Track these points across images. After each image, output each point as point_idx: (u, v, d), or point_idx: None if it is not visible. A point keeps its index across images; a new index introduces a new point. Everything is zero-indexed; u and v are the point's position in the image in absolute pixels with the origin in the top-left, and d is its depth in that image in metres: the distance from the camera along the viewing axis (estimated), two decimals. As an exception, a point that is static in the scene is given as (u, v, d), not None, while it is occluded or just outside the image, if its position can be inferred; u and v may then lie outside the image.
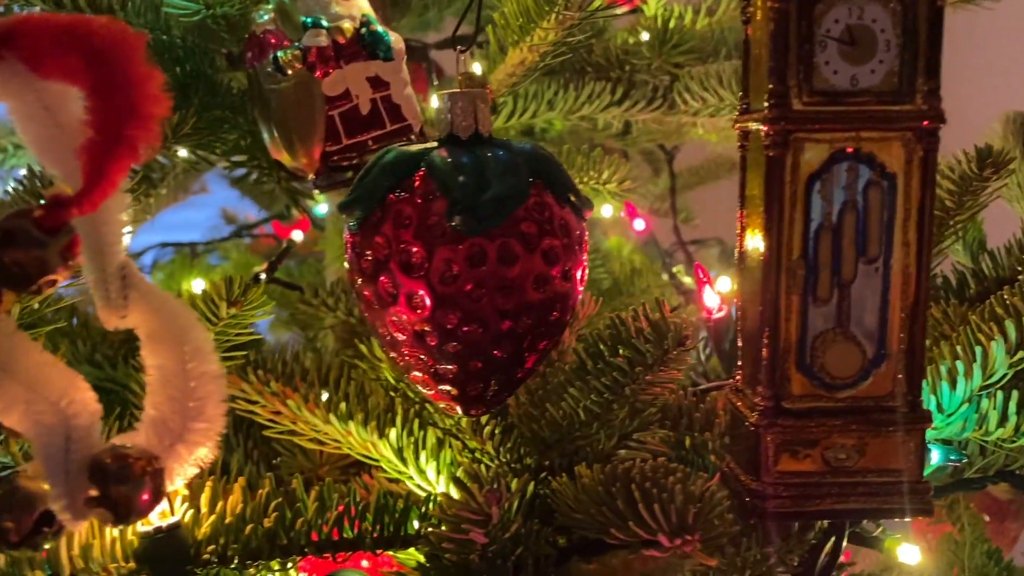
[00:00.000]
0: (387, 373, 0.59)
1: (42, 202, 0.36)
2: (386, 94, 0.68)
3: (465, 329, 0.46)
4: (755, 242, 0.46)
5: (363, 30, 0.68)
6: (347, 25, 0.67)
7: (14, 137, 1.04)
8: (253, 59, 0.70)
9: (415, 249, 0.45)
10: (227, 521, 0.44)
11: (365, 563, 0.57)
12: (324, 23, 0.67)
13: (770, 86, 0.43)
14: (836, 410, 0.45)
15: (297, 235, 0.97)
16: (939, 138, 0.43)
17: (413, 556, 0.55)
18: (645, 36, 0.96)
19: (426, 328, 0.46)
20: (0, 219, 0.34)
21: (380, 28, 0.69)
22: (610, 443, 0.58)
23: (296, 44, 0.67)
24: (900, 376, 0.45)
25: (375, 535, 0.50)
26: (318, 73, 0.67)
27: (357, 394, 0.58)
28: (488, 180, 0.45)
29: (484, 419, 0.57)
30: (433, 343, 0.46)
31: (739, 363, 0.51)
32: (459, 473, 0.49)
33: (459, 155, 0.47)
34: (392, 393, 0.59)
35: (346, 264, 0.50)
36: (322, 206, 1.34)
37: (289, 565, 0.51)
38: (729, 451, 0.50)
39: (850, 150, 0.43)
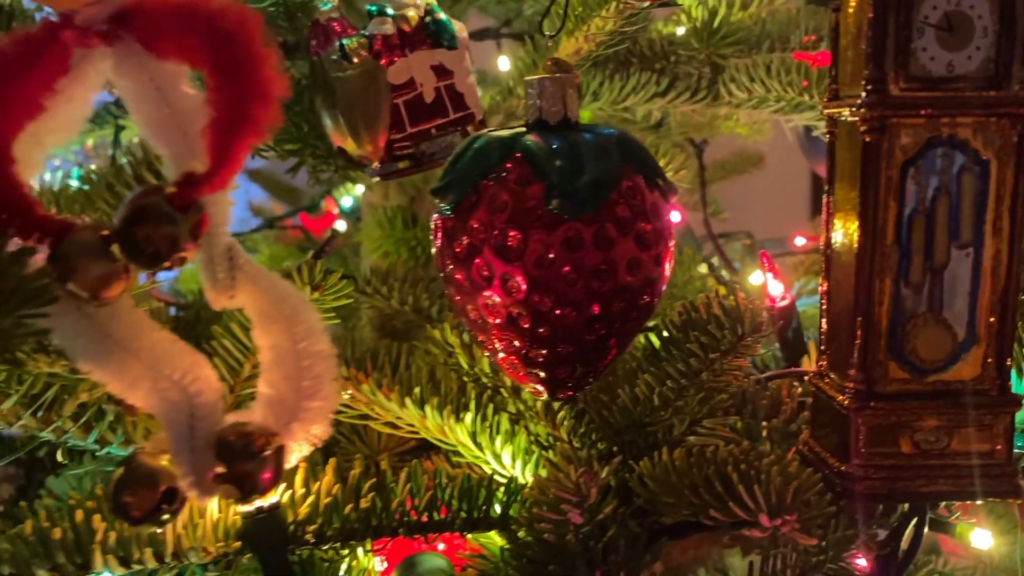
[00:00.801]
0: (461, 359, 0.59)
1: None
2: (450, 82, 0.68)
3: (558, 312, 0.46)
4: (846, 227, 0.47)
5: (427, 18, 0.68)
6: (412, 13, 0.67)
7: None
8: (317, 47, 0.70)
9: (512, 233, 0.45)
10: (324, 502, 0.45)
11: (442, 546, 0.57)
12: (389, 11, 0.67)
13: (867, 72, 0.43)
14: (926, 393, 0.46)
15: (340, 225, 0.97)
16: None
17: (491, 539, 0.55)
18: (680, 30, 0.97)
19: (520, 311, 0.46)
20: (132, 196, 0.34)
21: (444, 16, 0.69)
22: (681, 428, 0.58)
23: (362, 32, 0.67)
24: (990, 360, 0.45)
25: (462, 517, 0.50)
26: (383, 61, 0.67)
27: (429, 379, 0.59)
28: (583, 164, 0.46)
29: (556, 404, 0.58)
30: (526, 325, 0.47)
31: (822, 348, 0.51)
32: (553, 455, 0.49)
33: (551, 140, 0.47)
34: (465, 378, 0.59)
35: (433, 248, 0.51)
36: (347, 199, 1.34)
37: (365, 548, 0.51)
38: (813, 435, 0.51)
39: (945, 136, 0.44)
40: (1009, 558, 0.59)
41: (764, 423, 0.61)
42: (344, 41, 0.67)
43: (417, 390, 0.57)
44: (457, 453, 0.58)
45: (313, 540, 0.44)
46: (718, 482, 0.44)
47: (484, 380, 0.59)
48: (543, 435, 0.57)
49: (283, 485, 0.45)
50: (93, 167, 1.04)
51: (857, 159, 0.45)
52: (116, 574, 0.41)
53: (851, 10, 0.46)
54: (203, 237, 0.38)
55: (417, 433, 0.58)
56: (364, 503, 0.46)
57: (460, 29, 0.69)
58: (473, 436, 0.57)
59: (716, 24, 0.89)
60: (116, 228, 0.34)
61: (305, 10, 0.71)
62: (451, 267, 0.48)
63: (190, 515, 0.43)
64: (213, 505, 0.43)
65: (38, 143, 0.38)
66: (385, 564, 0.55)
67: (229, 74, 0.36)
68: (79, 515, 0.41)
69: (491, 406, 0.58)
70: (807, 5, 1.19)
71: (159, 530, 0.40)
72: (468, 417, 0.57)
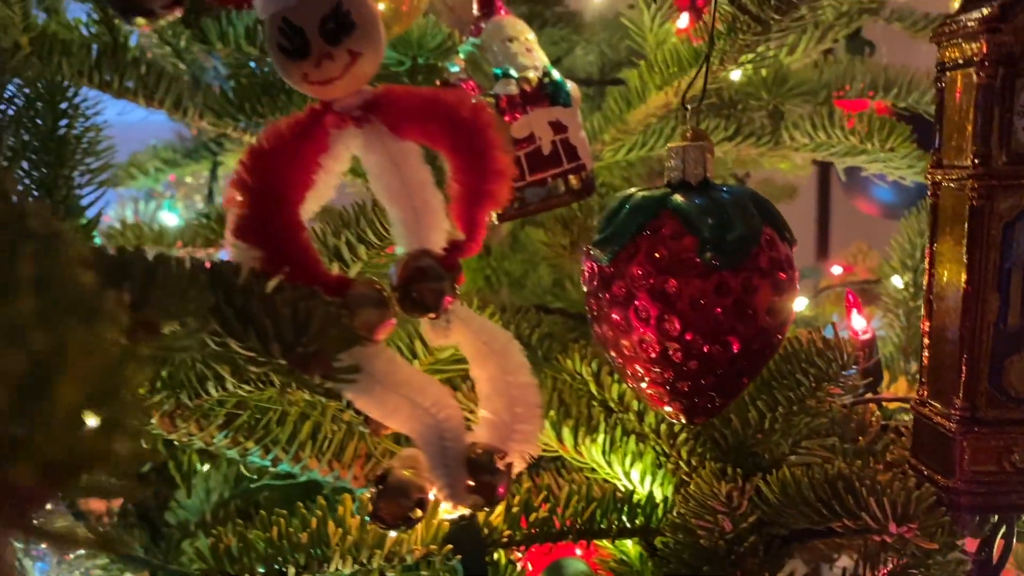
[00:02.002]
0: (591, 386, 0.67)
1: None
2: (564, 136, 0.76)
3: (706, 349, 0.54)
4: (951, 276, 0.55)
5: (546, 79, 0.76)
6: (532, 75, 0.75)
7: (157, 161, 1.12)
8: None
9: (671, 282, 0.53)
10: (514, 511, 0.52)
11: (579, 551, 0.65)
12: (513, 73, 0.75)
13: (976, 147, 0.51)
14: (1023, 420, 0.53)
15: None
16: (1116, 192, 0.52)
17: (626, 547, 0.63)
18: (736, 74, 1.05)
19: (674, 347, 0.54)
20: (408, 258, 0.42)
21: (559, 77, 0.77)
22: (785, 448, 0.66)
23: (489, 91, 0.75)
24: (1076, 391, 0.53)
25: (612, 527, 0.57)
26: (507, 117, 0.75)
27: (560, 404, 0.66)
28: (731, 220, 0.53)
29: (677, 427, 0.65)
30: (678, 360, 0.54)
31: (923, 380, 0.59)
32: (705, 471, 0.56)
33: (696, 199, 0.55)
34: (593, 403, 0.67)
35: (585, 289, 0.58)
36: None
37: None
38: (915, 455, 0.59)
39: (1040, 201, 0.52)
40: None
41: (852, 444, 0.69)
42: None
43: (552, 414, 0.65)
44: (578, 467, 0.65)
45: (505, 542, 0.52)
46: (849, 496, 0.52)
47: (612, 405, 0.67)
48: (669, 454, 0.64)
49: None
50: (207, 207, 1.11)
51: (959, 218, 0.53)
52: (345, 572, 0.48)
53: (957, 93, 0.54)
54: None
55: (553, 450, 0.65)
56: (542, 512, 0.53)
57: (573, 89, 0.77)
58: (605, 455, 0.64)
59: (783, 76, 0.98)
60: (396, 285, 0.42)
61: (435, 71, 0.78)
62: (607, 308, 0.56)
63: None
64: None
65: (305, 211, 0.45)
66: (531, 567, 0.62)
67: (471, 157, 0.44)
68: (313, 522, 0.49)
69: (619, 428, 0.65)
70: (849, 52, 1.28)
71: (400, 533, 0.48)
72: (600, 438, 0.64)
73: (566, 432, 0.64)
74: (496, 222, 0.79)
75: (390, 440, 0.55)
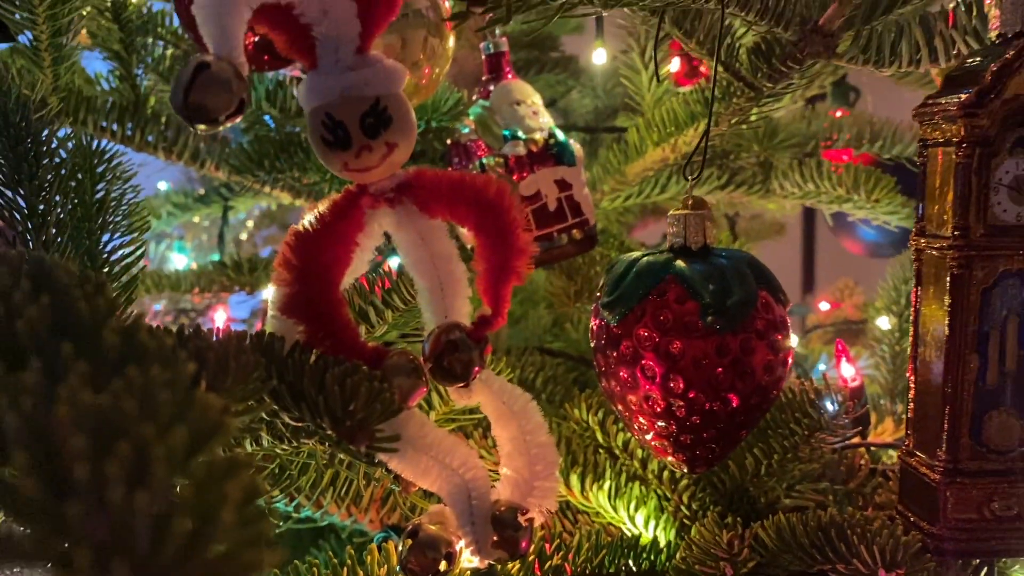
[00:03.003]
0: (598, 435, 0.71)
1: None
2: (569, 194, 0.81)
3: (708, 406, 0.58)
4: (935, 336, 0.59)
5: (551, 140, 0.80)
6: (539, 136, 0.80)
7: (169, 206, 1.15)
8: (460, 162, 0.82)
9: (675, 343, 0.57)
10: (529, 559, 0.56)
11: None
12: (521, 135, 0.79)
13: (956, 220, 0.56)
14: (1001, 471, 0.58)
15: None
16: (1083, 262, 0.56)
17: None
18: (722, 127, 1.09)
19: (678, 403, 0.58)
20: (442, 333, 0.46)
21: (564, 138, 0.81)
22: (779, 492, 0.70)
23: (498, 152, 0.79)
24: (1050, 444, 0.58)
25: (624, 571, 0.61)
26: (515, 176, 0.79)
27: (568, 451, 0.70)
28: (729, 286, 0.58)
29: (678, 474, 0.69)
30: (681, 415, 0.58)
31: (908, 431, 0.63)
32: (706, 522, 0.60)
33: (697, 264, 0.59)
34: (600, 451, 0.71)
35: (593, 345, 0.62)
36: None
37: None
38: (901, 501, 0.63)
39: (1014, 269, 0.56)
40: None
41: (842, 488, 0.73)
42: (484, 160, 0.79)
43: (560, 461, 0.68)
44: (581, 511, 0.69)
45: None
46: (841, 542, 0.56)
47: (617, 452, 0.71)
48: (669, 499, 0.68)
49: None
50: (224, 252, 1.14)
51: (941, 282, 0.58)
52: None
53: (939, 166, 0.58)
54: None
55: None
56: (556, 561, 0.57)
57: (577, 149, 0.81)
58: (610, 500, 0.68)
59: (773, 129, 1.02)
60: (429, 356, 0.46)
61: (447, 132, 0.83)
62: (614, 365, 0.60)
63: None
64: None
65: (343, 285, 0.49)
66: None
67: (495, 236, 0.48)
68: (344, 572, 0.52)
69: (623, 474, 0.69)
70: (835, 102, 1.33)
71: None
72: (606, 484, 0.68)
73: (574, 478, 0.68)
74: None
75: (418, 496, 0.58)
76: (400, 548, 0.48)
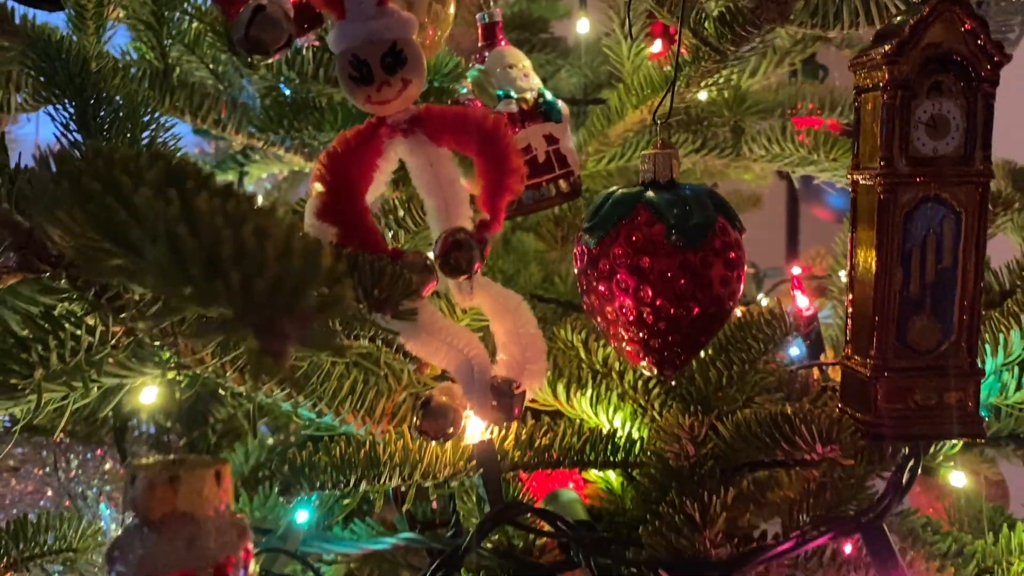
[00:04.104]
0: (581, 352, 0.81)
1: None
2: (556, 147, 0.90)
3: (672, 312, 0.68)
4: (866, 256, 0.69)
5: (540, 99, 0.90)
6: (529, 96, 0.89)
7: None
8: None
9: (645, 259, 0.67)
10: (522, 439, 0.66)
11: (571, 484, 0.78)
12: (513, 94, 0.89)
13: (882, 153, 0.66)
14: (923, 367, 0.68)
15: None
16: (989, 188, 0.67)
17: (607, 479, 0.76)
18: (702, 95, 1.19)
19: (647, 311, 0.68)
20: (449, 235, 0.56)
21: (551, 97, 0.91)
22: (740, 402, 0.80)
23: (493, 110, 0.89)
24: (963, 345, 0.68)
25: (598, 458, 0.71)
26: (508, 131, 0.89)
27: (554, 366, 0.80)
28: (692, 211, 0.68)
29: (651, 383, 0.79)
30: (650, 321, 0.68)
31: (848, 340, 0.73)
32: (672, 410, 0.70)
33: (664, 195, 0.69)
34: (583, 365, 0.81)
35: (576, 268, 0.72)
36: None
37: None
38: (842, 399, 0.73)
39: (932, 195, 0.67)
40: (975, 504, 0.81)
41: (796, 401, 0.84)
42: (480, 116, 0.88)
43: (548, 374, 0.78)
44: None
45: (514, 465, 0.65)
46: (786, 425, 0.66)
47: (597, 367, 0.81)
48: (645, 407, 0.78)
49: (494, 428, 0.66)
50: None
51: (872, 209, 0.68)
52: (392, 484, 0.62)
53: (868, 109, 0.69)
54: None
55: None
56: (544, 441, 0.67)
57: (564, 107, 0.91)
58: (592, 406, 0.78)
59: (742, 95, 1.13)
60: (438, 254, 0.56)
61: (447, 93, 0.92)
62: (594, 281, 0.70)
63: (435, 449, 0.64)
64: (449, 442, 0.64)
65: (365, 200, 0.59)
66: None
67: (493, 158, 0.58)
68: (367, 445, 0.62)
69: (603, 385, 0.79)
70: (804, 78, 1.44)
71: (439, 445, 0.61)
72: (588, 392, 0.78)
73: (560, 388, 0.78)
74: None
75: (429, 379, 0.68)
76: (414, 417, 0.58)
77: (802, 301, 0.87)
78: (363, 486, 0.61)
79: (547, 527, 0.66)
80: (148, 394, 0.96)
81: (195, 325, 0.28)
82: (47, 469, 0.97)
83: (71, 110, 0.69)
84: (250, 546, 0.39)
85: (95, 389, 0.67)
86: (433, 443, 0.59)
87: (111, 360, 0.65)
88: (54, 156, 0.38)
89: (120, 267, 0.33)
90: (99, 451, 0.95)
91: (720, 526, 0.64)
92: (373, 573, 0.85)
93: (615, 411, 0.78)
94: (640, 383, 0.79)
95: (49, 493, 0.94)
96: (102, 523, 0.81)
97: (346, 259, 0.48)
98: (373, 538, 0.78)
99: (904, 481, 0.70)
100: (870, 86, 0.68)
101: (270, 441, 1.01)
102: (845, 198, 1.56)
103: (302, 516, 0.88)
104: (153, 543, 0.36)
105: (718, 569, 0.63)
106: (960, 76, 0.66)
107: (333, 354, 0.60)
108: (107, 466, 0.98)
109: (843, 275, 1.18)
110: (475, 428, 0.65)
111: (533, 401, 0.79)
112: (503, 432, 0.66)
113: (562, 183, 0.92)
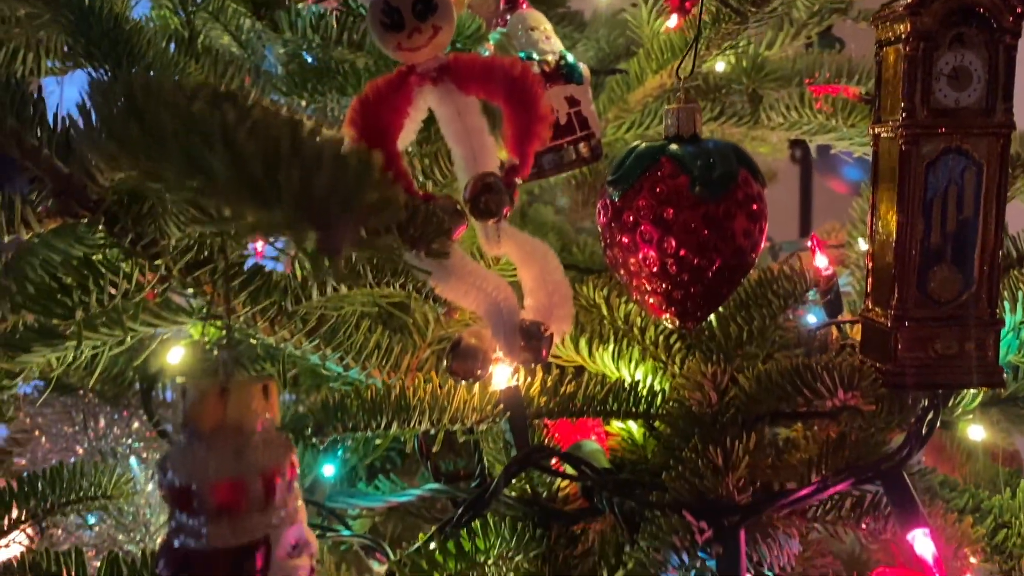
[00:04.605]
0: (603, 309, 0.82)
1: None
2: (577, 109, 0.91)
3: (695, 263, 0.69)
4: (888, 209, 0.70)
5: (562, 62, 0.91)
6: (551, 58, 0.90)
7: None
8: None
9: (668, 210, 0.68)
10: (547, 386, 0.67)
11: (593, 437, 0.79)
12: (535, 56, 0.90)
13: (904, 104, 0.67)
14: (943, 317, 0.69)
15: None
16: (1011, 139, 0.67)
17: (628, 430, 0.78)
18: (720, 66, 1.20)
19: (670, 262, 0.69)
20: (479, 179, 0.57)
21: (573, 60, 0.92)
22: (760, 358, 0.81)
23: (515, 70, 0.90)
24: (983, 295, 0.69)
25: (621, 408, 0.72)
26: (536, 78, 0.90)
27: (576, 323, 0.81)
28: (715, 163, 0.69)
29: (673, 339, 0.80)
30: (673, 271, 0.69)
31: (868, 292, 0.74)
32: (695, 360, 0.72)
33: (688, 148, 0.70)
34: (605, 321, 0.82)
35: (600, 221, 0.73)
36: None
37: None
38: (863, 351, 0.74)
39: (954, 146, 0.67)
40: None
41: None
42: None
43: (571, 330, 0.80)
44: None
45: (540, 413, 0.67)
46: (807, 373, 0.67)
47: (619, 324, 0.82)
48: (666, 362, 0.80)
49: (521, 375, 0.67)
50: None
51: (893, 161, 0.69)
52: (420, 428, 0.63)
53: (890, 61, 0.69)
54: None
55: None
56: (569, 388, 0.68)
57: (584, 70, 0.92)
58: (614, 360, 0.79)
59: (760, 63, 1.13)
60: (468, 197, 0.57)
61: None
62: (618, 234, 0.71)
63: (462, 393, 0.65)
64: (477, 387, 0.65)
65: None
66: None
67: (521, 106, 0.59)
68: (397, 387, 0.63)
69: (625, 341, 0.80)
70: (821, 48, 1.44)
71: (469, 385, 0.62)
72: (610, 347, 0.79)
73: (582, 343, 0.79)
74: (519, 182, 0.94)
75: (457, 323, 0.69)
76: (445, 358, 0.59)
77: (821, 261, 0.88)
78: (393, 428, 0.62)
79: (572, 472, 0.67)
80: (175, 355, 0.98)
81: (256, 223, 0.29)
82: (76, 428, 0.98)
83: (104, 69, 0.71)
84: (295, 461, 0.40)
85: (129, 338, 0.69)
86: (462, 386, 0.61)
87: (145, 309, 0.67)
88: (105, 85, 0.40)
89: (176, 183, 0.34)
90: (125, 412, 0.97)
91: (742, 472, 0.65)
92: (397, 527, 0.86)
93: (636, 366, 0.79)
94: (661, 339, 0.80)
95: (79, 451, 0.96)
96: (132, 475, 0.83)
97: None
98: (397, 492, 0.80)
99: (924, 431, 0.71)
100: (892, 39, 0.69)
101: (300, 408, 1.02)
102: (861, 170, 1.57)
103: (328, 470, 0.90)
104: (203, 453, 0.38)
105: (740, 512, 0.64)
106: (982, 27, 0.66)
107: (383, 254, 0.61)
108: (135, 425, 1.00)
109: (862, 242, 1.19)
110: (502, 375, 0.66)
111: (556, 357, 0.80)
112: (529, 379, 0.67)
113: (583, 147, 0.93)
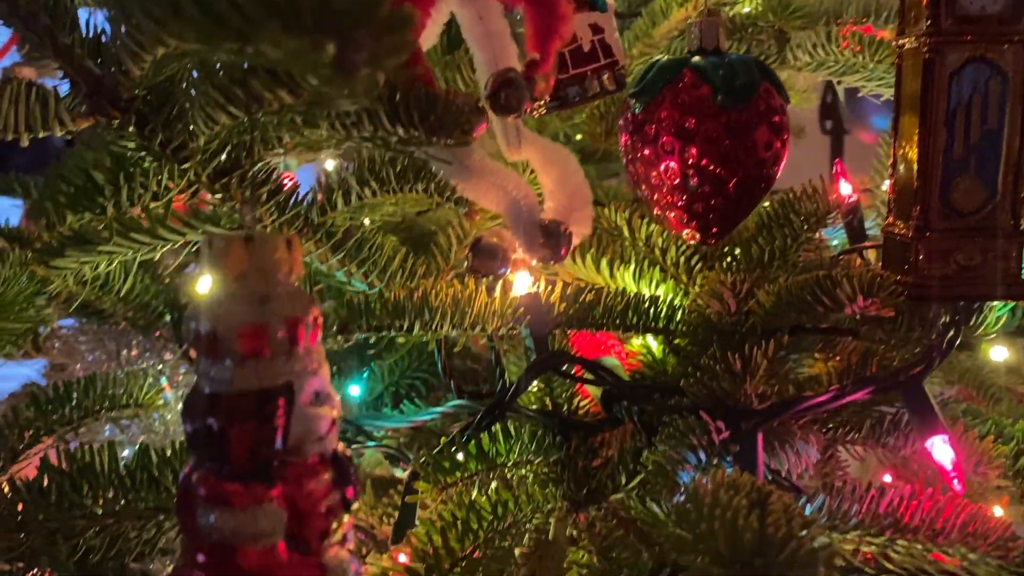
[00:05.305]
0: (625, 231, 0.82)
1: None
2: (601, 37, 0.91)
3: (717, 173, 0.69)
4: (911, 122, 0.70)
5: (586, -12, 0.91)
6: (575, -16, 0.91)
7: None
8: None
9: (690, 120, 0.68)
10: (566, 293, 0.68)
11: (612, 354, 0.80)
12: (559, -18, 0.90)
13: (927, 12, 0.66)
14: (966, 228, 0.68)
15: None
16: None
17: (647, 347, 0.78)
18: (747, 8, 1.19)
19: (691, 172, 0.69)
20: (499, 74, 0.58)
21: (597, -13, 0.92)
22: (783, 279, 0.81)
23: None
24: (1007, 206, 0.68)
25: (642, 322, 0.73)
26: None
27: (597, 244, 0.82)
28: (736, 74, 0.69)
29: (694, 261, 0.81)
30: (694, 183, 0.70)
31: (890, 209, 0.74)
32: (714, 272, 0.72)
33: (711, 59, 0.70)
34: (626, 243, 0.82)
35: (621, 136, 0.74)
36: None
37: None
38: (884, 266, 0.74)
39: (978, 55, 0.67)
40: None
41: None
42: (526, 4, 0.90)
43: (592, 251, 0.80)
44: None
45: (562, 321, 0.67)
46: (827, 282, 0.67)
47: (640, 245, 0.82)
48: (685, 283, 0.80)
49: (542, 285, 0.68)
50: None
51: (918, 73, 0.68)
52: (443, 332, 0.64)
53: (915, -28, 0.69)
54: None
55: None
56: (589, 297, 0.69)
57: (609, -4, 0.92)
58: (635, 279, 0.80)
59: (787, 2, 1.12)
60: (488, 93, 0.58)
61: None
62: (640, 146, 0.71)
63: (483, 299, 0.66)
64: (498, 292, 0.66)
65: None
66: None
67: (541, 6, 0.60)
68: (421, 288, 0.65)
69: (646, 262, 0.81)
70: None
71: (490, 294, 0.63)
72: (631, 267, 0.80)
73: (603, 264, 0.80)
74: (544, 112, 0.94)
75: (478, 225, 0.70)
76: (466, 257, 0.60)
77: (845, 188, 0.88)
78: (416, 330, 0.64)
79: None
80: (205, 284, 0.99)
81: (277, 39, 0.29)
82: (109, 356, 1.01)
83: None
84: (319, 316, 0.41)
85: (159, 247, 0.70)
86: (483, 290, 0.62)
87: (173, 217, 0.68)
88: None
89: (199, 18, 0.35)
90: (157, 337, 0.99)
91: (761, 378, 0.66)
92: (421, 448, 0.87)
93: (657, 286, 0.79)
94: (682, 260, 0.80)
95: (120, 379, 0.99)
96: (164, 397, 0.85)
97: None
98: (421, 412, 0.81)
99: (945, 343, 0.71)
100: (917, -52, 0.68)
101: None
102: (888, 116, 1.55)
103: (354, 391, 0.91)
104: (228, 300, 0.39)
105: (758, 416, 0.64)
106: (1009, -68, 0.66)
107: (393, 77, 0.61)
108: (167, 356, 1.02)
109: (886, 185, 1.18)
110: (523, 282, 0.67)
111: (577, 278, 0.81)
112: (549, 287, 0.68)
113: (607, 77, 0.93)
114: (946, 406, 0.87)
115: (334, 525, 0.41)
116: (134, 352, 1.01)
